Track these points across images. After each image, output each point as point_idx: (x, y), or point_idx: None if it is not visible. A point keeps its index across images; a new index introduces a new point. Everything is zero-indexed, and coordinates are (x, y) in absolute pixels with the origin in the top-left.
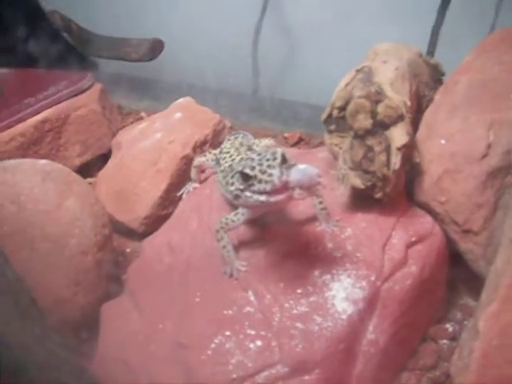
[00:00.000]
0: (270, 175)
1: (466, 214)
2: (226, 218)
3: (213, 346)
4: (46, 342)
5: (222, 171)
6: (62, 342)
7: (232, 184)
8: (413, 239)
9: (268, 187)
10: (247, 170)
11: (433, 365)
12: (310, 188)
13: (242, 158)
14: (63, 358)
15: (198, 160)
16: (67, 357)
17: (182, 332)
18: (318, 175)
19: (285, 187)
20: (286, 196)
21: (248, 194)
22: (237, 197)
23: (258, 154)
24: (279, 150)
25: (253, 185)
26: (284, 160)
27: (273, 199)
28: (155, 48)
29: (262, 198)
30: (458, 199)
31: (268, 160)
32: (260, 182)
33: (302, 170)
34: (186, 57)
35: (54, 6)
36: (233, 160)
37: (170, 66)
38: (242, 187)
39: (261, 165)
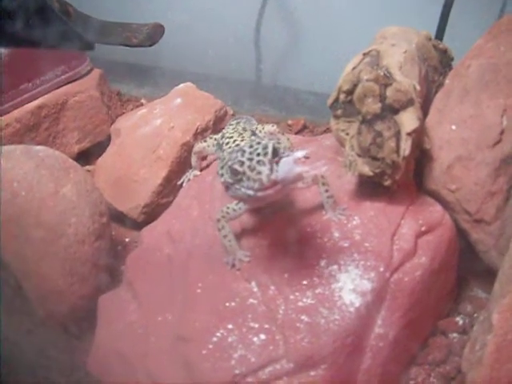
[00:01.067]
0: (259, 173)
1: (478, 202)
2: (227, 208)
3: (214, 339)
4: (34, 337)
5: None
6: (53, 338)
7: (222, 175)
8: (422, 229)
9: (256, 185)
10: (236, 166)
11: (443, 359)
12: (295, 182)
13: (238, 145)
14: (53, 355)
15: (199, 146)
16: (58, 355)
17: (182, 325)
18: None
19: (274, 183)
20: (274, 191)
21: (237, 186)
22: (227, 188)
23: (250, 147)
24: (270, 144)
25: (241, 180)
26: (275, 153)
27: (260, 194)
28: (156, 33)
29: (250, 192)
30: (470, 187)
31: (259, 155)
32: (248, 179)
33: (289, 164)
34: (188, 42)
35: None
36: (236, 146)
37: (171, 52)
38: (231, 180)
39: (251, 160)
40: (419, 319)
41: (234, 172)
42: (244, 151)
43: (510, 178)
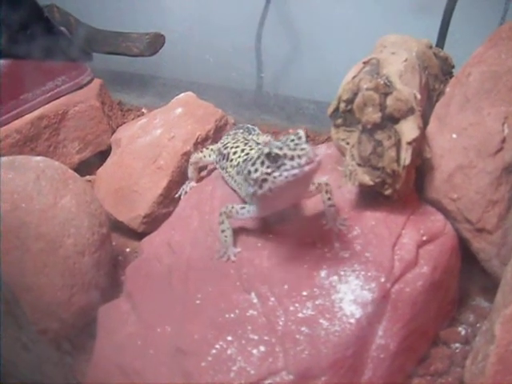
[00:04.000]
0: (303, 149)
1: (480, 211)
2: (233, 207)
3: (213, 351)
4: (30, 353)
5: (235, 166)
6: (50, 352)
7: (256, 171)
8: (424, 238)
9: (303, 160)
10: (276, 150)
11: (445, 370)
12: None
13: (248, 154)
14: (49, 371)
15: (195, 157)
16: (54, 369)
17: (181, 337)
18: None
19: (312, 161)
20: (316, 166)
21: (277, 174)
22: (263, 182)
23: (279, 140)
24: (301, 131)
25: (283, 164)
26: (307, 139)
27: (306, 168)
28: (156, 43)
29: (295, 171)
30: (471, 196)
31: (293, 140)
32: (292, 158)
33: None
34: (189, 52)
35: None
36: (247, 154)
37: (172, 61)
38: (269, 170)
39: (287, 145)
40: (421, 330)
41: (275, 157)
42: (277, 142)
43: (511, 187)
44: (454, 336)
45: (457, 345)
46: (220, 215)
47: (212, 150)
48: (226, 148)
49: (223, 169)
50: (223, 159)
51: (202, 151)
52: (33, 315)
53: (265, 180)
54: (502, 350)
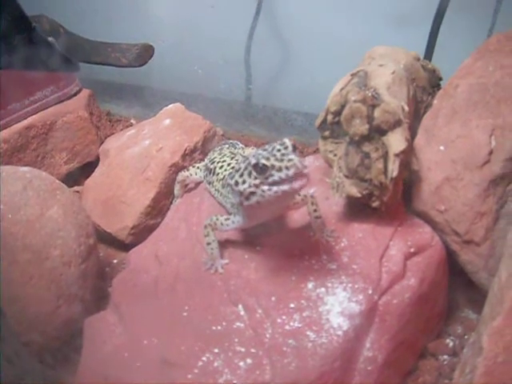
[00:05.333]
0: (290, 160)
1: (467, 223)
2: (217, 219)
3: (200, 363)
4: (14, 366)
5: (221, 179)
6: (35, 365)
7: (243, 182)
8: (411, 250)
9: (291, 172)
10: (263, 161)
11: (433, 382)
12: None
13: (234, 167)
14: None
15: (182, 175)
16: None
17: (168, 348)
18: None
19: (301, 174)
20: (306, 181)
21: (265, 187)
22: (251, 195)
23: (265, 149)
24: (287, 140)
25: (271, 175)
26: (294, 148)
27: (297, 185)
28: (145, 53)
29: (285, 187)
30: (459, 208)
31: (279, 150)
32: (280, 169)
33: None
34: (178, 63)
35: (43, 10)
36: (232, 168)
37: (161, 72)
38: (257, 182)
39: (274, 155)
40: (409, 342)
41: (262, 168)
42: (263, 151)
43: (499, 199)
44: (442, 348)
45: (445, 357)
46: (205, 227)
47: (198, 167)
48: (212, 163)
49: (210, 183)
50: (210, 173)
51: (188, 169)
52: (17, 327)
53: (253, 193)
54: (489, 362)
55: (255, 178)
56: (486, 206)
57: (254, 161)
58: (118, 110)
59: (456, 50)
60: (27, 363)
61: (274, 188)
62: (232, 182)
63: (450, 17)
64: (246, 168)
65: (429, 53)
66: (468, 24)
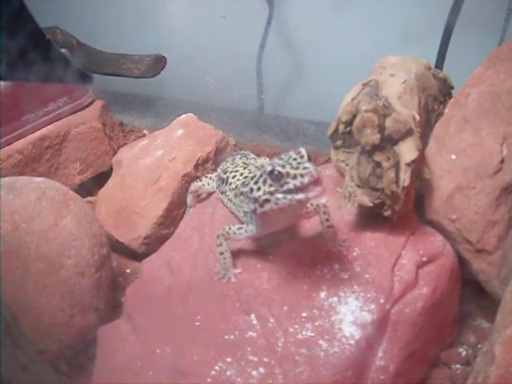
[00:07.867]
0: (305, 168)
1: (479, 232)
2: (230, 228)
3: (213, 373)
4: (29, 373)
5: (234, 189)
6: (49, 373)
7: (258, 189)
8: (423, 259)
9: (305, 180)
10: (279, 168)
11: None
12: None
13: (247, 177)
14: None
15: (194, 185)
16: None
17: (180, 358)
18: None
19: (316, 182)
20: (321, 190)
21: (280, 195)
22: (265, 202)
23: (280, 158)
24: (303, 149)
25: (286, 183)
26: (309, 158)
27: (311, 195)
28: (158, 64)
29: (299, 196)
30: (471, 217)
31: (295, 159)
32: (295, 177)
33: None
34: (190, 73)
35: (56, 22)
36: (245, 177)
37: (174, 83)
38: (272, 189)
39: (290, 164)
40: (421, 351)
41: (277, 176)
42: (279, 160)
43: (511, 207)
44: (455, 357)
45: (457, 366)
46: (217, 237)
47: (211, 178)
48: (225, 173)
49: (222, 193)
50: (222, 183)
51: (200, 180)
52: (32, 336)
53: (267, 200)
54: (502, 371)
55: (270, 186)
56: (498, 215)
57: (269, 168)
58: (131, 120)
59: (467, 58)
60: (42, 371)
61: (289, 196)
62: (247, 188)
63: (460, 25)
64: (261, 175)
65: (440, 61)
66: (479, 32)
